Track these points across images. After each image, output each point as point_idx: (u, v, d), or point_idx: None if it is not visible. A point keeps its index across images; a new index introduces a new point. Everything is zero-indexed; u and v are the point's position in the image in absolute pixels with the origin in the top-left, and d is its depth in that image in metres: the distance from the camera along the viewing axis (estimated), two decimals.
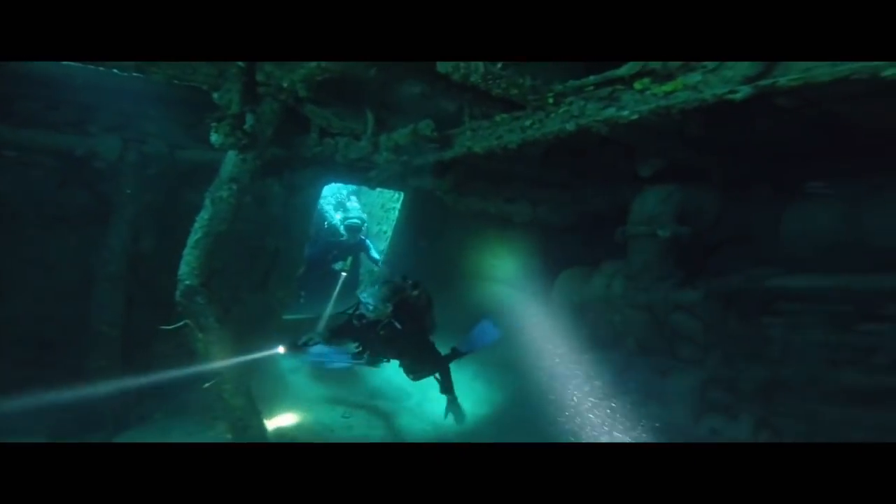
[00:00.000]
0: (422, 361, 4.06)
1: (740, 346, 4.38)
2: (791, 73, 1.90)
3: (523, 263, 5.46)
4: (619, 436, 4.66)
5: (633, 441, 4.67)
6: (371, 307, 3.70)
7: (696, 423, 4.40)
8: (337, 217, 6.50)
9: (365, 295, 3.74)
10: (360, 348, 3.91)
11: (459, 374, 5.43)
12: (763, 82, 2.01)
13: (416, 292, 3.99)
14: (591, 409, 4.81)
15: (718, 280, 4.41)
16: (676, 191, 4.48)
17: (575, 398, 4.89)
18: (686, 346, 4.53)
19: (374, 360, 3.98)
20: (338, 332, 3.85)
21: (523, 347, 5.26)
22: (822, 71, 1.79)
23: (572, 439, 4.74)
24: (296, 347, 3.62)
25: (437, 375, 4.20)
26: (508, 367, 5.34)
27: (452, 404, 4.23)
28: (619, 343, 4.74)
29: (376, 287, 3.76)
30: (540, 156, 4.57)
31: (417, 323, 3.95)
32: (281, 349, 3.56)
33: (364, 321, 3.75)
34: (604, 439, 4.72)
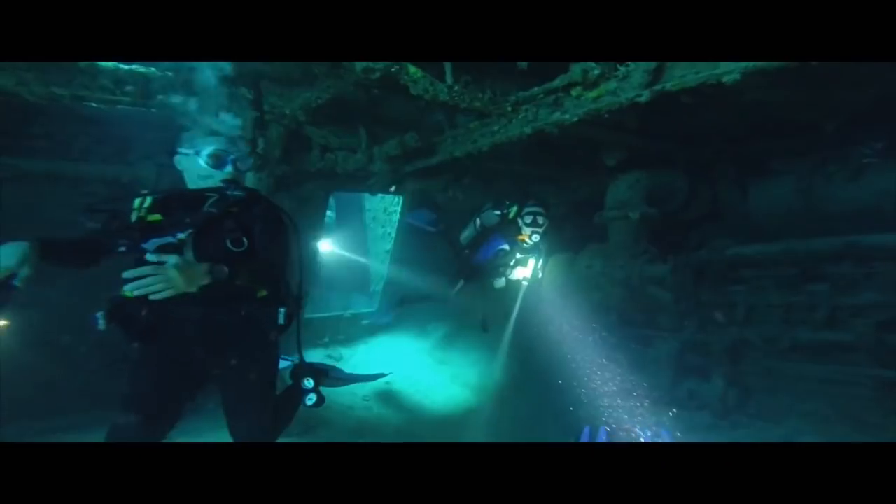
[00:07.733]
0: None
1: (712, 313, 4.83)
2: (672, 80, 2.42)
3: None
4: (609, 401, 5.15)
5: (622, 407, 5.18)
6: None
7: (675, 386, 4.87)
8: None
9: None
10: None
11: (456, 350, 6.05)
12: (656, 87, 2.52)
13: None
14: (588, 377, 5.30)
15: (687, 253, 4.88)
16: (644, 176, 4.96)
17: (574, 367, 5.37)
18: (663, 317, 5.01)
19: None
20: None
21: (523, 330, 5.77)
22: (689, 78, 2.31)
23: (571, 408, 5.25)
24: None
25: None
26: (511, 349, 5.86)
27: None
28: (602, 319, 5.23)
29: None
30: (519, 154, 5.09)
31: None
32: None
33: None
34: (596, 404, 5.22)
